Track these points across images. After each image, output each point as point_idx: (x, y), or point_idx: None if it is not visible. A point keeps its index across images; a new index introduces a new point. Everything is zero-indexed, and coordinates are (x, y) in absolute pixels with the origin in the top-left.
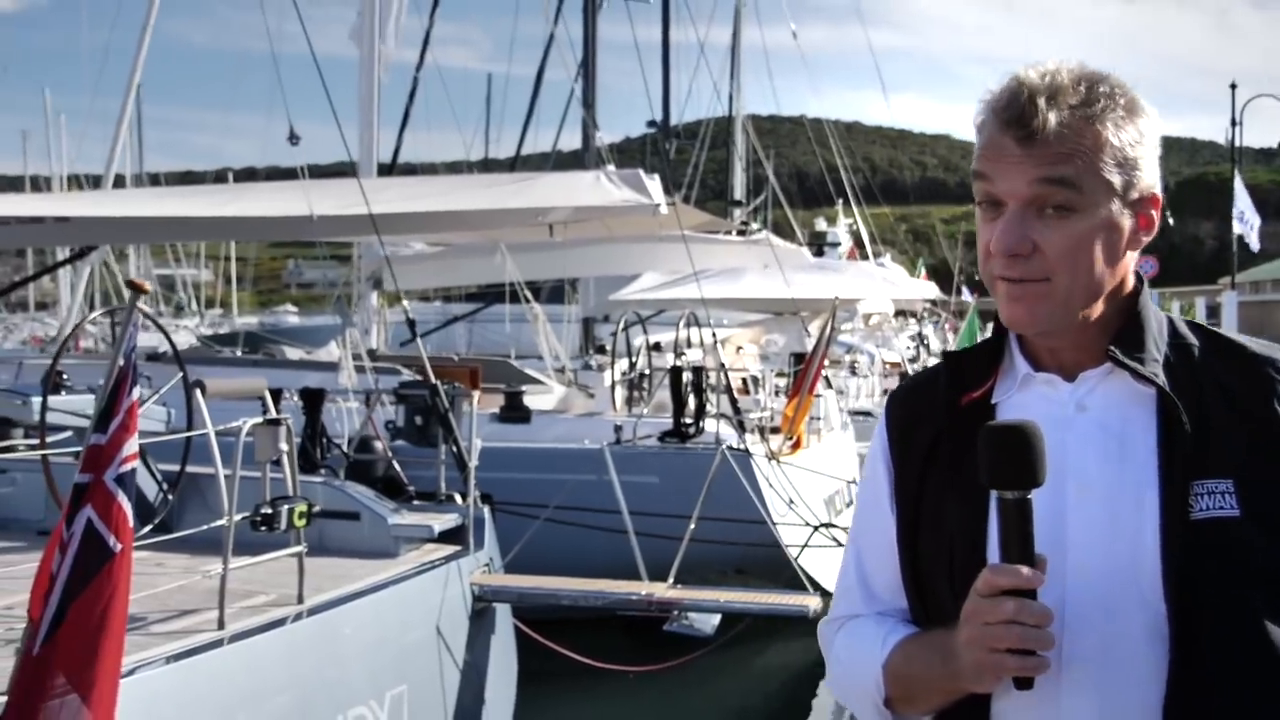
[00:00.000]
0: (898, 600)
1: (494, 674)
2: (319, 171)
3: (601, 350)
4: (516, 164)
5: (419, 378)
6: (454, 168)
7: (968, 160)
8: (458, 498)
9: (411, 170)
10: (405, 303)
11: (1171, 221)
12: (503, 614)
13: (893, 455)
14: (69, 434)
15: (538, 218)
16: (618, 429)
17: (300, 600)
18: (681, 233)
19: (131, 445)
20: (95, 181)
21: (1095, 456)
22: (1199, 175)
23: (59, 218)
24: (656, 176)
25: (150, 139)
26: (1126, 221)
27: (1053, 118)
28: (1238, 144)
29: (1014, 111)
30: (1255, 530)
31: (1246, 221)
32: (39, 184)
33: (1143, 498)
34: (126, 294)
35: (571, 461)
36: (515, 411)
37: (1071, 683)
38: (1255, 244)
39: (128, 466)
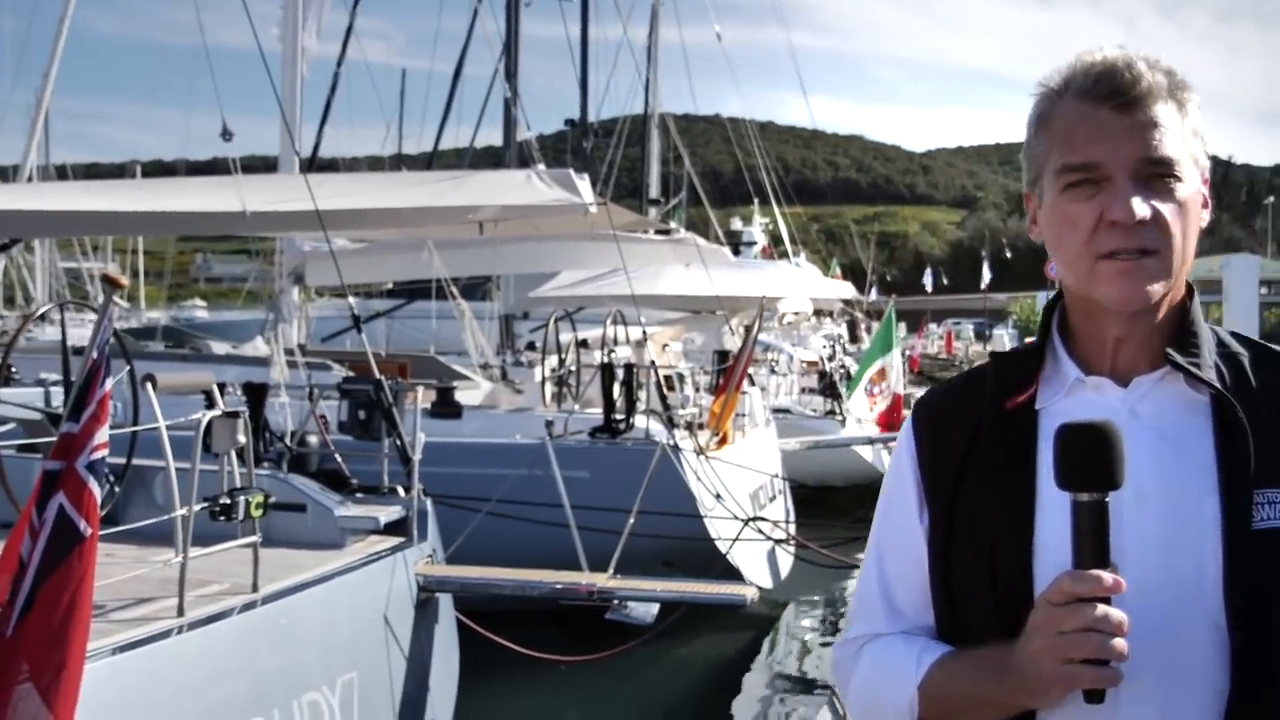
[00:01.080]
0: (923, 617)
1: (438, 662)
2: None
3: (531, 346)
4: (434, 159)
5: (350, 373)
6: (376, 163)
7: (880, 161)
8: (400, 490)
9: (332, 165)
10: (351, 299)
11: None
12: (445, 604)
13: (921, 463)
14: (13, 425)
15: (469, 215)
16: (549, 424)
17: (255, 589)
18: (613, 232)
19: (102, 434)
20: (2, 173)
21: (1151, 464)
22: None
23: None
24: (586, 176)
25: (56, 130)
26: (1201, 196)
27: (1159, 78)
28: None
29: (1112, 82)
30: None
31: None
32: None
33: (1202, 506)
34: (100, 288)
35: (506, 456)
36: (447, 407)
37: (1131, 697)
38: None
39: (99, 454)
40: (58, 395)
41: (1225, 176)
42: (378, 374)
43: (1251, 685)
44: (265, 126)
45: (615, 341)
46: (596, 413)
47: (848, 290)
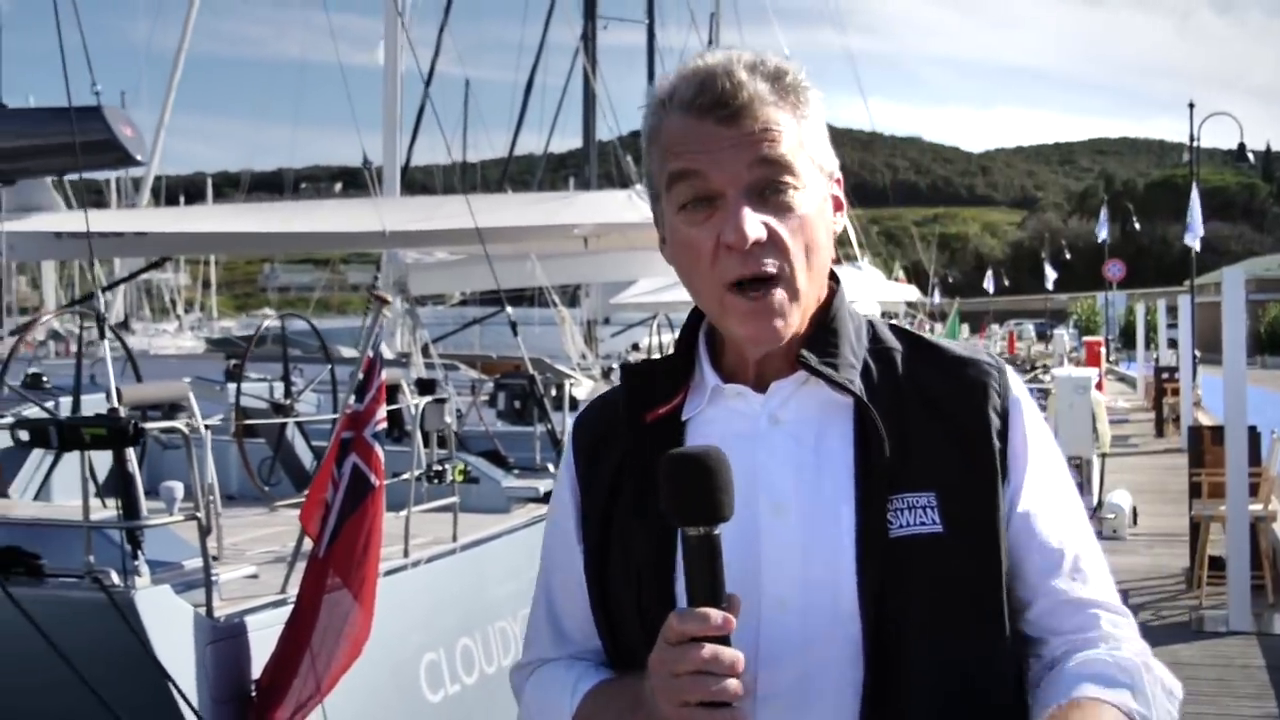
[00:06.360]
0: (590, 641)
1: None
2: (301, 176)
3: (635, 347)
4: (508, 166)
5: (476, 373)
6: (442, 171)
7: (939, 163)
8: (550, 467)
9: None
10: (509, 309)
11: (1138, 225)
12: None
13: (579, 481)
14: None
15: (575, 230)
16: None
17: (455, 539)
18: None
19: (382, 411)
20: (88, 187)
21: (790, 473)
22: (1166, 178)
23: (138, 233)
24: None
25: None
26: (830, 201)
27: (761, 85)
28: (1199, 150)
29: (713, 94)
30: (958, 546)
31: (1194, 232)
32: None
33: (840, 515)
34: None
35: None
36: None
37: (767, 717)
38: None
39: (380, 426)
40: (278, 389)
41: None
42: (532, 371)
43: (882, 700)
44: (331, 135)
45: None
46: None
47: (912, 293)
